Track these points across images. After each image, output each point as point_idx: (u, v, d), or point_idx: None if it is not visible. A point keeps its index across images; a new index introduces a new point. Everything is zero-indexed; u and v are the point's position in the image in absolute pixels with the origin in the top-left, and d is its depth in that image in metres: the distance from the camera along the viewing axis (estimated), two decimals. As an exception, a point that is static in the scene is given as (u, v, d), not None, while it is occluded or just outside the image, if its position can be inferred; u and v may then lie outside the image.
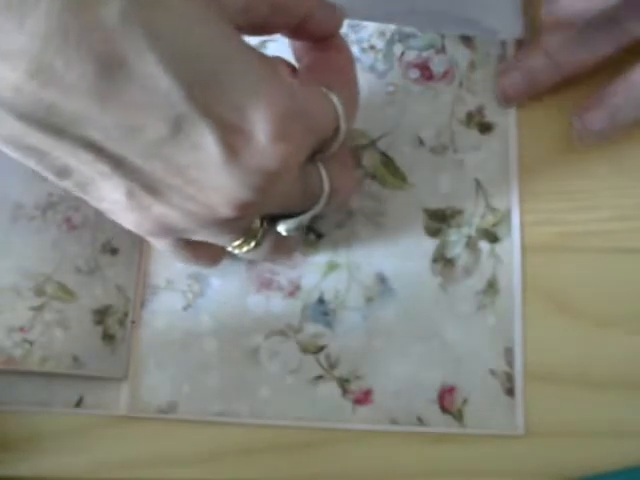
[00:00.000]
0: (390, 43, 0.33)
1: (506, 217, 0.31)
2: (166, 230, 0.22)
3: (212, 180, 0.20)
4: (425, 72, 0.33)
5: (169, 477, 0.30)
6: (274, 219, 0.26)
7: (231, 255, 0.28)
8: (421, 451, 0.29)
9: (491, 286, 0.30)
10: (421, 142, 0.32)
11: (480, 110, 0.32)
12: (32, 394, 0.30)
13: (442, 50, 0.33)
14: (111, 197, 0.21)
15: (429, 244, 0.31)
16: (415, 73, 0.33)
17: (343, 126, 0.24)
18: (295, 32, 0.24)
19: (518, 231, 0.31)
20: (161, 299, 0.31)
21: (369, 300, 0.31)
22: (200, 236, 0.23)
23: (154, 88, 0.18)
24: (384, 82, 0.33)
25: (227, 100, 0.19)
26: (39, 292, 0.28)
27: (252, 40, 0.31)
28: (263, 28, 0.23)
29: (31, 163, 0.20)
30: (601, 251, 0.30)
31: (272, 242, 0.26)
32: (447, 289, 0.30)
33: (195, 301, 0.31)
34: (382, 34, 0.33)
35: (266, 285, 0.31)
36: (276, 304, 0.31)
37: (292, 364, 0.30)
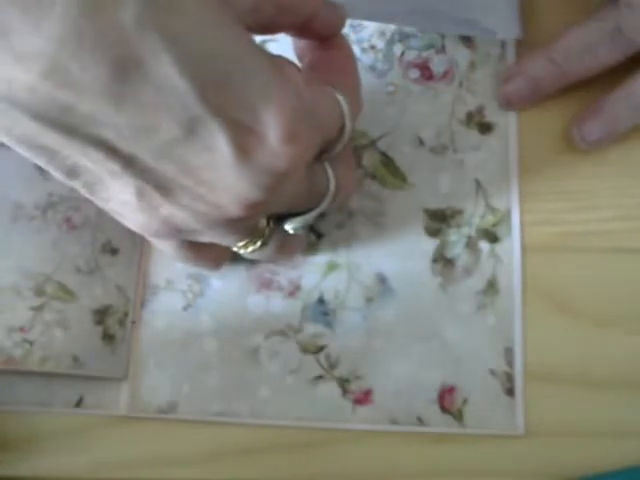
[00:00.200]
0: (390, 43, 0.33)
1: (506, 217, 0.31)
2: (173, 231, 0.22)
3: (223, 180, 0.20)
4: (425, 72, 0.33)
5: (169, 477, 0.30)
6: (280, 219, 0.26)
7: (232, 257, 0.28)
8: (421, 451, 0.29)
9: (491, 286, 0.30)
10: (421, 142, 0.32)
11: (480, 110, 0.32)
12: (32, 394, 0.30)
13: (442, 50, 0.33)
14: (119, 197, 0.21)
15: (429, 244, 0.31)
16: (415, 73, 0.33)
17: (349, 125, 0.24)
18: (300, 31, 0.25)
19: (518, 231, 0.31)
20: (161, 299, 0.31)
21: (369, 300, 0.31)
22: (207, 237, 0.23)
23: (169, 89, 0.18)
24: (384, 82, 0.33)
25: (239, 101, 0.19)
26: (39, 292, 0.28)
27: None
28: (269, 28, 0.23)
29: (41, 162, 0.20)
30: (601, 251, 0.30)
31: (278, 242, 0.26)
32: (447, 289, 0.30)
33: (195, 301, 0.31)
34: (382, 34, 0.33)
35: (266, 285, 0.31)
36: (276, 304, 0.31)
37: (292, 364, 0.30)
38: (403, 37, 0.33)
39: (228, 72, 0.19)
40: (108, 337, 0.30)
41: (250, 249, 0.26)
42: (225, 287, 0.31)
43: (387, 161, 0.32)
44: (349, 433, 0.30)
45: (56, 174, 0.20)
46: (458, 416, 0.29)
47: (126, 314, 0.31)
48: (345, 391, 0.30)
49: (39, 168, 0.27)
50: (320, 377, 0.30)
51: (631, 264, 0.30)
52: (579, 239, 0.31)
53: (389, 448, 0.29)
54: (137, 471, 0.30)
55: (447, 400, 0.29)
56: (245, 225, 0.23)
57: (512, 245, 0.31)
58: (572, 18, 0.30)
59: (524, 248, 0.31)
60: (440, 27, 0.32)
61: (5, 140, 0.19)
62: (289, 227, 0.26)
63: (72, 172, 0.20)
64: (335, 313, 0.31)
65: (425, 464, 0.29)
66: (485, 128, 0.32)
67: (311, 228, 0.31)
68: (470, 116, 0.32)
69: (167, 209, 0.21)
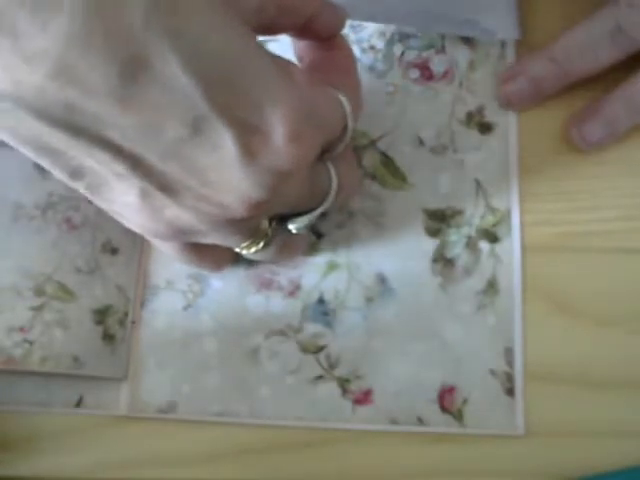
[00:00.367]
0: (390, 43, 0.33)
1: (506, 217, 0.31)
2: (177, 232, 0.22)
3: (227, 180, 0.20)
4: (425, 72, 0.33)
5: (169, 477, 0.30)
6: (282, 219, 0.26)
7: (234, 259, 0.28)
8: (421, 451, 0.29)
9: (491, 286, 0.30)
10: (421, 142, 0.32)
11: (480, 110, 0.32)
12: (32, 394, 0.30)
13: (442, 50, 0.33)
14: (123, 199, 0.21)
15: (429, 244, 0.31)
16: (415, 73, 0.33)
17: (351, 125, 0.24)
18: (301, 32, 0.25)
19: (518, 231, 0.31)
20: (161, 299, 0.31)
21: (369, 300, 0.31)
22: (210, 239, 0.23)
23: (176, 89, 0.18)
24: (384, 82, 0.33)
25: (245, 101, 0.19)
26: (39, 292, 0.28)
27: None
28: (270, 29, 0.23)
29: (46, 163, 0.20)
30: (601, 251, 0.30)
31: (280, 242, 0.26)
32: (447, 289, 0.30)
33: (195, 301, 0.31)
34: (382, 34, 0.33)
35: (266, 285, 0.31)
36: (276, 304, 0.31)
37: (292, 364, 0.30)
38: (403, 37, 0.33)
39: (234, 72, 0.19)
40: (108, 337, 0.30)
41: (253, 250, 0.26)
42: (225, 287, 0.31)
43: (387, 161, 0.32)
44: (349, 433, 0.30)
45: (60, 175, 0.20)
46: (458, 416, 0.29)
47: (126, 314, 0.31)
48: (345, 391, 0.30)
49: (39, 168, 0.27)
50: (320, 377, 0.30)
51: (631, 264, 0.30)
52: (579, 239, 0.31)
53: (389, 448, 0.29)
54: (137, 471, 0.30)
55: (447, 400, 0.29)
56: (248, 226, 0.23)
57: (512, 245, 0.31)
58: (572, 18, 0.30)
59: (524, 248, 0.31)
60: (440, 27, 0.32)
61: (11, 141, 0.19)
62: (292, 227, 0.26)
63: (77, 173, 0.20)
64: (335, 313, 0.31)
65: (425, 464, 0.29)
66: (485, 128, 0.32)
67: (311, 228, 0.31)
68: (470, 116, 0.32)
69: (171, 210, 0.21)
